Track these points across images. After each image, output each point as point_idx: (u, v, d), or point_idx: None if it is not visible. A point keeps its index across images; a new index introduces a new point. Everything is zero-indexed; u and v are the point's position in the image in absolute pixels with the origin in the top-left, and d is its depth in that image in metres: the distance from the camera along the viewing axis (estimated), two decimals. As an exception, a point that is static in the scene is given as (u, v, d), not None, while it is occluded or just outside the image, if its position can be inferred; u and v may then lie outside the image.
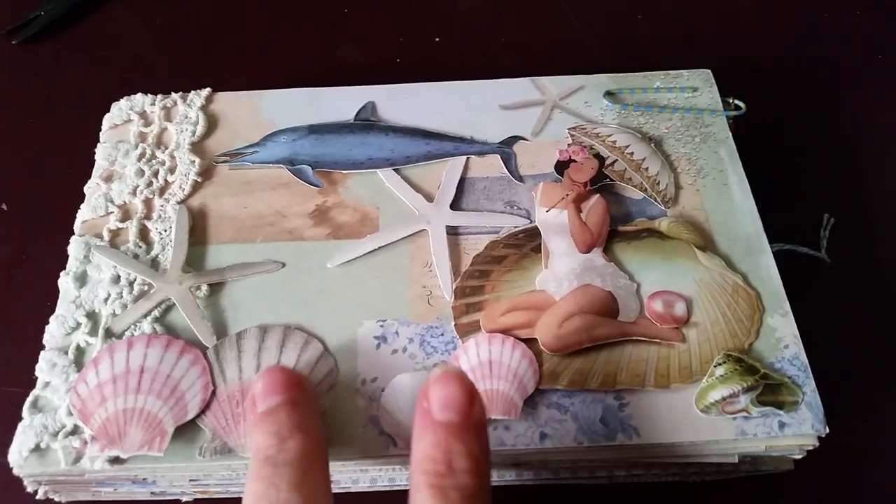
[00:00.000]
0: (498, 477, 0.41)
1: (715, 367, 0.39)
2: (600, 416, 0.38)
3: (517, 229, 0.44)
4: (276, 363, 0.39)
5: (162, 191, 0.46)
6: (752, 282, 0.42)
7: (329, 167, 0.47)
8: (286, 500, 0.31)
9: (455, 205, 0.46)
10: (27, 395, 0.38)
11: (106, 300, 0.41)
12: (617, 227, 0.44)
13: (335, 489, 0.41)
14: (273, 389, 0.34)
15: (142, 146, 0.48)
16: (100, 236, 0.44)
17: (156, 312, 0.41)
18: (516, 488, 0.41)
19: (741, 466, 0.40)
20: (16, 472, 0.37)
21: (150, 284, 0.42)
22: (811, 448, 0.38)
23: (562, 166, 0.47)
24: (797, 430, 0.37)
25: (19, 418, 0.38)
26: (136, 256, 0.43)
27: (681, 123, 0.49)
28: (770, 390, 0.38)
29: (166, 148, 0.48)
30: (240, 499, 0.40)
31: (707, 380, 0.38)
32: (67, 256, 0.43)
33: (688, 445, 0.38)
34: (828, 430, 0.37)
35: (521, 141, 0.48)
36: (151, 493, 0.40)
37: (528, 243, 0.44)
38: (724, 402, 0.38)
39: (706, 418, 0.38)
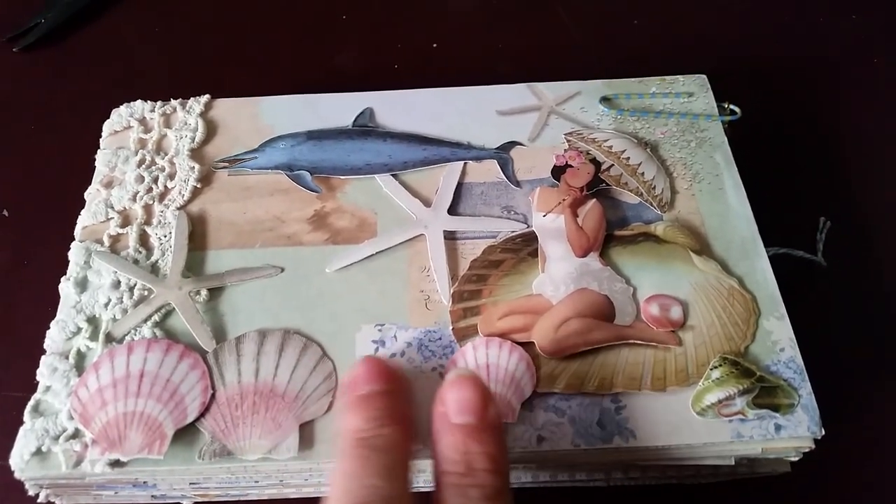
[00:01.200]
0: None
1: (711, 370, 0.39)
2: (597, 418, 0.38)
3: (514, 234, 0.45)
4: (274, 364, 0.39)
5: (162, 197, 0.46)
6: (747, 285, 0.42)
7: (327, 173, 0.47)
8: (376, 486, 0.31)
9: (452, 210, 0.46)
10: (28, 399, 0.39)
11: (106, 305, 0.42)
12: (613, 231, 0.44)
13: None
14: (374, 377, 0.35)
15: (142, 152, 0.48)
16: (100, 242, 0.44)
17: (156, 317, 0.41)
18: (515, 491, 0.41)
19: (738, 469, 0.40)
20: (17, 475, 0.37)
21: (150, 289, 0.42)
22: (807, 450, 0.39)
23: (558, 171, 0.47)
24: (793, 432, 0.38)
25: (21, 422, 0.38)
26: (136, 262, 0.43)
27: (676, 128, 0.49)
28: (766, 393, 0.38)
29: (166, 154, 0.48)
30: (238, 503, 0.41)
31: (703, 383, 0.39)
32: (68, 262, 0.43)
33: (684, 448, 0.38)
34: (823, 433, 0.38)
35: (518, 146, 0.49)
36: (152, 496, 0.40)
37: (525, 248, 0.44)
38: (720, 404, 0.38)
39: (702, 421, 0.38)
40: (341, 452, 0.33)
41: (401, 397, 0.36)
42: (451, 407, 0.34)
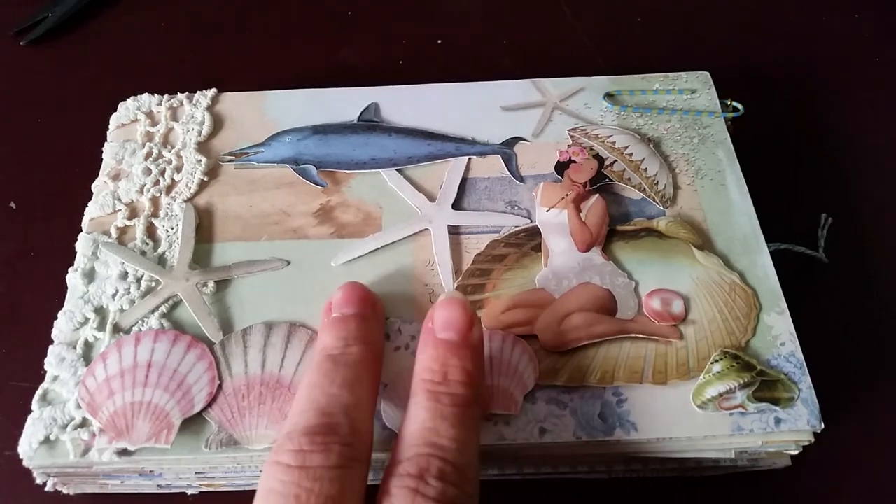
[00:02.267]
0: (498, 471, 0.41)
1: (712, 363, 0.39)
2: (599, 411, 0.39)
3: (518, 229, 0.45)
4: (280, 355, 0.40)
5: (169, 189, 0.47)
6: (749, 280, 0.43)
7: (333, 167, 0.48)
8: (337, 395, 0.34)
9: (457, 204, 0.46)
10: (36, 388, 0.39)
11: (114, 296, 0.42)
12: (616, 226, 0.45)
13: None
14: (349, 301, 0.39)
15: (149, 145, 0.48)
16: (107, 233, 0.45)
17: (163, 308, 0.42)
18: (517, 482, 0.42)
19: (739, 462, 0.41)
20: (25, 463, 0.38)
21: (157, 281, 0.42)
22: (807, 444, 0.39)
23: (562, 167, 0.47)
24: (793, 425, 0.38)
25: (29, 411, 0.38)
26: (143, 253, 0.44)
27: (679, 125, 0.50)
28: (766, 387, 0.39)
29: (173, 147, 0.48)
30: (244, 492, 0.42)
31: (704, 376, 0.39)
32: (75, 253, 0.44)
33: (685, 441, 0.38)
34: (823, 426, 0.38)
35: (522, 142, 0.49)
36: (158, 485, 0.41)
37: (528, 242, 0.44)
38: (721, 398, 0.38)
39: (703, 414, 0.38)
40: (311, 367, 0.37)
41: (373, 322, 0.39)
42: (438, 323, 0.37)
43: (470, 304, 0.38)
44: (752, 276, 0.43)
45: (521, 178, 0.47)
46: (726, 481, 0.42)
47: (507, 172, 0.48)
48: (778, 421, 0.38)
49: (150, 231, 0.45)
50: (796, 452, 0.40)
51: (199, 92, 0.51)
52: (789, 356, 0.40)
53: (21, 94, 0.60)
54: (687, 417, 0.38)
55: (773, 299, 0.42)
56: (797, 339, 0.41)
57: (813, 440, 0.39)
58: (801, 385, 0.39)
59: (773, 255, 0.44)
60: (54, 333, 0.41)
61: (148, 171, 0.47)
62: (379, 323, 0.40)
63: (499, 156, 0.48)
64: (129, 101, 0.51)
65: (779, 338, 0.41)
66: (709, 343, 0.40)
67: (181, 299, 0.42)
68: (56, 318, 0.41)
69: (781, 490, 0.42)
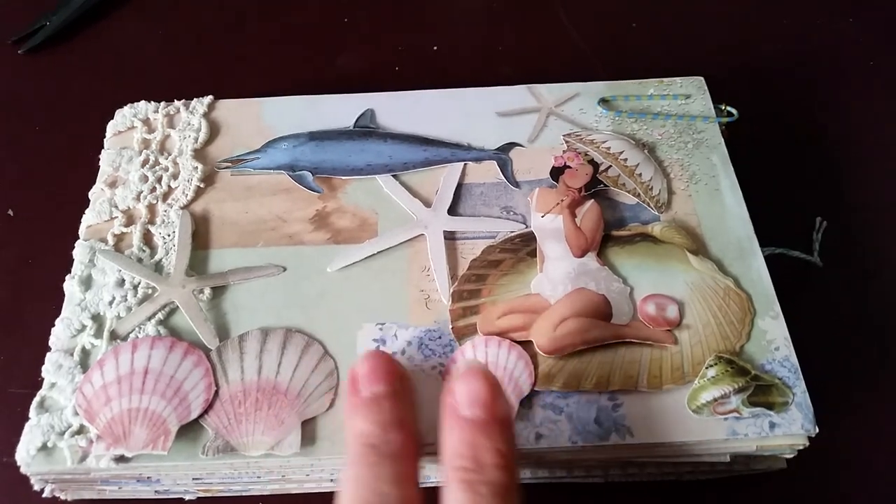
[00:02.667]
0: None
1: (706, 368, 0.39)
2: (594, 416, 0.39)
3: (513, 234, 0.45)
4: (276, 362, 0.40)
5: (165, 196, 0.47)
6: (743, 285, 0.43)
7: (329, 173, 0.48)
8: (388, 494, 0.32)
9: (452, 210, 0.46)
10: (34, 395, 0.39)
11: (111, 303, 0.42)
12: (611, 231, 0.45)
13: (335, 488, 0.41)
14: (377, 377, 0.35)
15: (145, 152, 0.48)
16: (104, 241, 0.45)
17: (160, 315, 0.42)
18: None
19: (735, 466, 0.41)
20: (23, 470, 0.38)
21: (153, 288, 0.43)
22: (801, 447, 0.39)
23: (557, 172, 0.47)
24: (787, 430, 0.38)
25: (26, 418, 0.38)
26: (140, 260, 0.44)
27: (674, 130, 0.50)
28: (761, 391, 0.39)
29: (169, 154, 0.49)
30: (241, 498, 0.42)
31: (699, 381, 0.39)
32: (72, 260, 0.44)
33: (680, 445, 0.38)
34: (817, 430, 0.38)
35: (518, 147, 0.49)
36: (155, 491, 0.41)
37: (523, 248, 0.45)
38: (716, 402, 0.38)
39: (698, 419, 0.38)
40: (350, 457, 0.33)
41: (406, 399, 0.36)
42: (461, 399, 0.34)
43: (490, 371, 0.35)
44: (747, 281, 0.43)
45: (517, 184, 0.47)
46: (722, 485, 0.42)
47: (503, 178, 0.48)
48: (772, 425, 0.38)
49: (147, 238, 0.45)
50: (791, 456, 0.40)
51: (195, 99, 0.51)
52: (783, 360, 0.40)
53: (19, 101, 0.60)
54: (682, 422, 0.38)
55: (767, 304, 0.42)
56: (791, 344, 0.41)
57: (807, 444, 0.39)
58: (796, 389, 0.39)
59: (768, 259, 0.44)
60: (52, 340, 0.41)
61: (145, 179, 0.47)
62: (413, 400, 0.36)
63: (494, 161, 0.49)
64: (126, 109, 0.51)
65: (773, 342, 0.41)
66: (703, 348, 0.41)
67: (178, 306, 0.42)
68: (53, 325, 0.41)
69: (776, 494, 0.43)
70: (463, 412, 0.34)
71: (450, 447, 0.33)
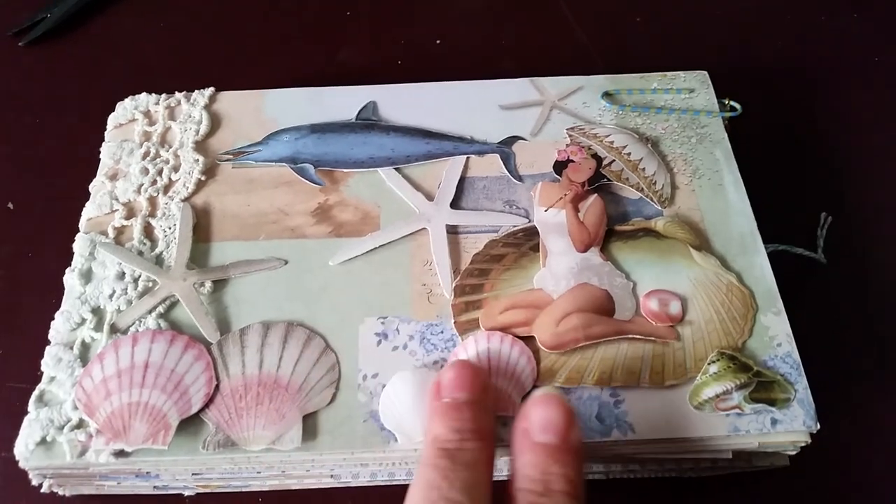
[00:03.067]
0: (497, 472, 0.41)
1: (709, 364, 0.39)
2: (596, 412, 0.39)
3: (516, 228, 0.45)
4: (278, 356, 0.40)
5: (166, 189, 0.47)
6: (746, 281, 0.43)
7: (331, 166, 0.48)
8: (456, 501, 0.31)
9: (455, 204, 0.46)
10: (33, 389, 0.39)
11: (111, 296, 0.42)
12: (614, 226, 0.45)
13: (334, 484, 0.41)
14: (461, 385, 0.35)
15: (146, 145, 0.48)
16: (105, 234, 0.44)
17: (160, 308, 0.42)
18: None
19: (737, 462, 0.41)
20: (22, 464, 0.38)
21: (154, 281, 0.42)
22: (803, 444, 0.39)
23: (560, 166, 0.47)
24: (789, 426, 0.38)
25: (25, 412, 0.38)
26: (140, 253, 0.44)
27: (677, 124, 0.50)
28: (763, 388, 0.39)
29: (170, 147, 0.48)
30: (241, 493, 0.42)
31: (701, 377, 0.39)
32: (73, 254, 0.44)
33: (682, 441, 0.38)
34: (819, 427, 0.38)
35: (521, 141, 0.49)
36: (154, 487, 0.41)
37: (526, 242, 0.44)
38: (718, 399, 0.38)
39: (700, 415, 0.38)
40: (424, 459, 0.34)
41: (487, 410, 0.36)
42: (535, 425, 0.34)
43: (566, 399, 0.35)
44: (750, 277, 0.43)
45: (520, 178, 0.47)
46: (723, 482, 0.42)
47: (506, 171, 0.48)
48: (774, 422, 0.38)
49: (148, 231, 0.45)
50: (793, 453, 0.40)
51: (196, 91, 0.51)
52: (786, 357, 0.40)
53: (19, 94, 0.60)
54: (684, 418, 0.38)
55: (769, 300, 0.42)
56: (794, 340, 0.41)
57: (809, 441, 0.39)
58: (798, 386, 0.39)
59: (772, 256, 0.44)
60: (51, 334, 0.41)
61: (145, 171, 0.47)
62: (492, 409, 0.37)
63: (497, 155, 0.48)
64: (127, 101, 0.51)
65: (775, 339, 0.41)
66: (706, 344, 0.40)
67: (178, 299, 0.42)
68: (53, 318, 0.41)
69: (778, 491, 0.42)
70: (536, 437, 0.34)
71: (520, 470, 0.33)
